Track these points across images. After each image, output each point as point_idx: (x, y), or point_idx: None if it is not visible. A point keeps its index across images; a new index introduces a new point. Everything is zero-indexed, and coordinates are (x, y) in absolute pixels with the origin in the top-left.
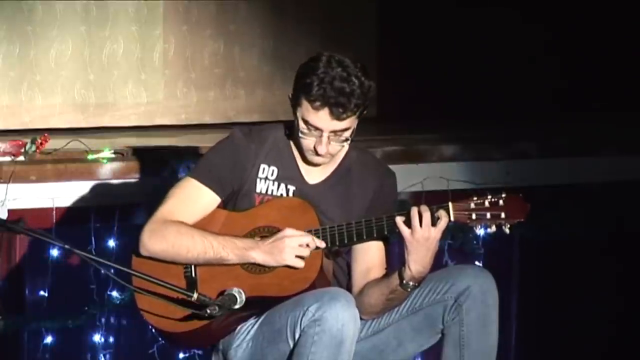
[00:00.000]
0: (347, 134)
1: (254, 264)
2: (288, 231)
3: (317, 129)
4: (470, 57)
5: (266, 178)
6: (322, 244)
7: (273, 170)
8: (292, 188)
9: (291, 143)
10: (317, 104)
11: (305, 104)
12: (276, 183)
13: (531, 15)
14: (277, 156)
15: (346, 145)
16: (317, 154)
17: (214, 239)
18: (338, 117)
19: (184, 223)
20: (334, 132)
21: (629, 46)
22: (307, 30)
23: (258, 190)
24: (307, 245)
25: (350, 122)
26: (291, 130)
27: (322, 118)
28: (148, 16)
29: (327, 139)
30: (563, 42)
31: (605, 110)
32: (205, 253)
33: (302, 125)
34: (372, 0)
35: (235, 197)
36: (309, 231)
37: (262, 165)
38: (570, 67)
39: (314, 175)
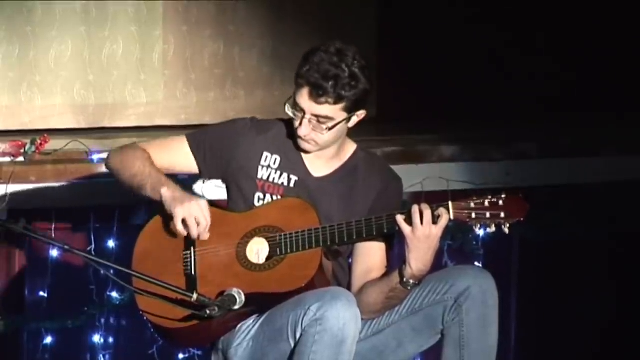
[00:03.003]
0: (330, 123)
1: (249, 259)
2: (205, 203)
3: (301, 109)
4: (470, 57)
5: (269, 166)
6: (206, 236)
7: (276, 159)
8: (294, 178)
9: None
10: (301, 81)
11: (295, 84)
12: (278, 172)
13: (531, 16)
14: (281, 146)
15: (327, 135)
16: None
17: (151, 171)
18: (316, 100)
19: (147, 153)
20: (316, 117)
21: (629, 46)
22: (307, 30)
23: (260, 177)
24: (199, 224)
25: (332, 111)
26: None
27: (303, 97)
28: (148, 16)
29: (307, 121)
30: (563, 42)
31: (605, 110)
32: (135, 176)
33: (293, 106)
34: (372, 0)
35: (237, 182)
36: (310, 230)
37: (265, 154)
38: (570, 67)
39: (319, 169)
